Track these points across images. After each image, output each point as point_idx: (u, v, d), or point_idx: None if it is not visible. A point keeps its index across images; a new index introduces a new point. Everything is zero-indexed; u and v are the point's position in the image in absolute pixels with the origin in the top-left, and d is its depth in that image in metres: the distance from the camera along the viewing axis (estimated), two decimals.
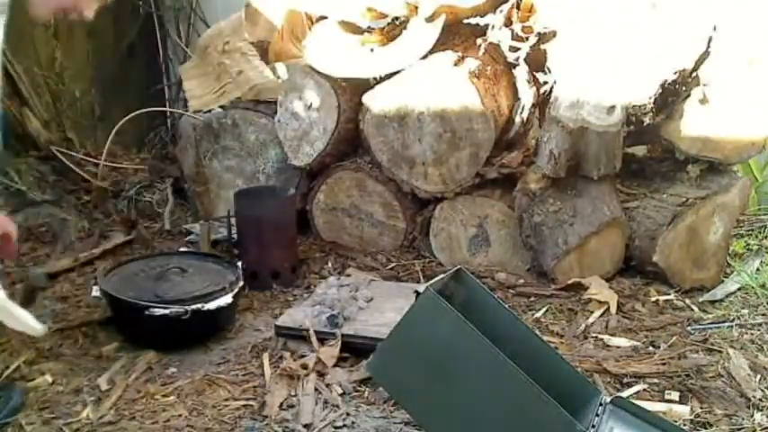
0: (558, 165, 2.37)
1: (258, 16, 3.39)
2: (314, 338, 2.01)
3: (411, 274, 2.65)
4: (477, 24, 2.65)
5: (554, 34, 2.50)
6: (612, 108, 2.32)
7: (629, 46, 2.36)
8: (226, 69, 3.19)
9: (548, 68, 2.55)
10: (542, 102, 2.67)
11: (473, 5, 2.60)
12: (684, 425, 1.69)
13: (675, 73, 2.32)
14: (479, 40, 2.63)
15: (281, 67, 3.13)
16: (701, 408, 1.78)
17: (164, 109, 3.89)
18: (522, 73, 2.69)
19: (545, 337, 1.92)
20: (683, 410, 1.76)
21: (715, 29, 2.33)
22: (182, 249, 2.78)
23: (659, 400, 1.82)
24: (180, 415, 1.74)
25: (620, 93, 2.32)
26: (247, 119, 2.93)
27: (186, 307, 1.98)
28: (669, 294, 2.43)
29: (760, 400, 1.81)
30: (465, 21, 2.67)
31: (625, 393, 1.83)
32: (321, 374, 1.92)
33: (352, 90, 2.75)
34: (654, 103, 2.34)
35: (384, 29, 2.71)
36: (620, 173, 2.48)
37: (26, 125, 3.14)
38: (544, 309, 2.34)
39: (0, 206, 1.84)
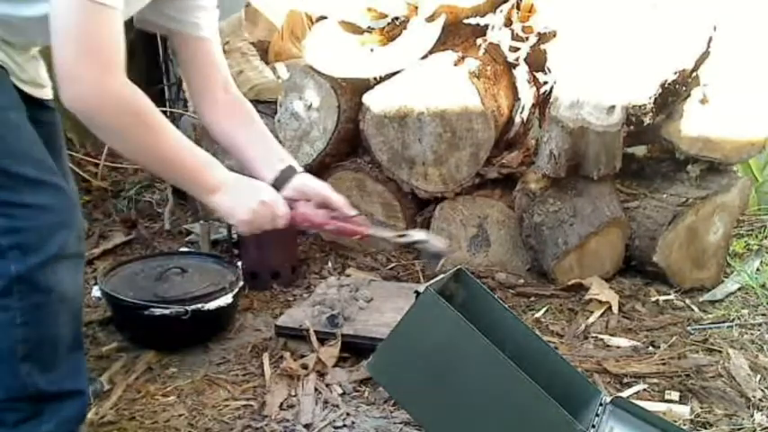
0: (558, 165, 2.37)
1: (258, 16, 3.39)
2: (314, 338, 2.01)
3: (411, 274, 2.65)
4: (477, 24, 2.64)
5: (554, 34, 2.50)
6: (612, 108, 2.32)
7: (629, 46, 2.36)
8: None
9: (548, 68, 2.55)
10: (542, 102, 2.67)
11: (473, 5, 2.60)
12: (684, 425, 1.68)
13: (675, 73, 2.32)
14: (479, 40, 2.63)
15: (281, 67, 3.12)
16: (701, 408, 1.78)
17: (164, 109, 3.89)
18: (522, 73, 2.69)
19: (545, 337, 1.92)
20: (683, 410, 1.76)
21: (715, 29, 2.33)
22: (182, 249, 2.78)
23: (659, 400, 1.82)
24: (180, 415, 1.74)
25: (620, 93, 2.32)
26: None
27: (186, 307, 1.97)
28: (669, 294, 2.44)
29: (760, 400, 1.81)
30: (465, 21, 2.67)
31: (625, 393, 1.83)
32: (321, 374, 1.92)
33: (352, 90, 2.74)
34: (654, 103, 2.34)
35: (384, 29, 2.71)
36: (620, 173, 2.48)
37: None
38: (544, 309, 2.34)
39: None
